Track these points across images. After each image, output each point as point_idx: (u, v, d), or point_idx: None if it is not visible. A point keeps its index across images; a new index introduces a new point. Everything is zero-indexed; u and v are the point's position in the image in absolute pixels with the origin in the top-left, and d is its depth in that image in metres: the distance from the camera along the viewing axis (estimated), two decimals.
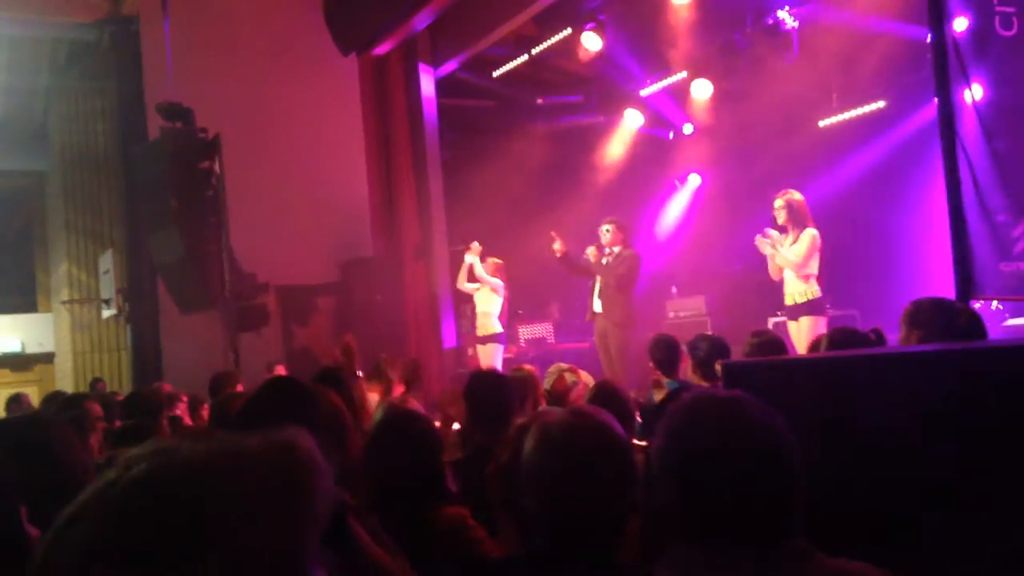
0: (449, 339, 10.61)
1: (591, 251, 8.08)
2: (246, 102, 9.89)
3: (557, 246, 8.29)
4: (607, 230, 8.03)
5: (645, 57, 11.20)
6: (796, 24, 9.17)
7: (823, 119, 9.95)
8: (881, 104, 9.51)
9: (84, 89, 11.06)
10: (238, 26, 10.27)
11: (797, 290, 6.65)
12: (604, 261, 8.01)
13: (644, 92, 11.58)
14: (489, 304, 8.86)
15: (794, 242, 6.68)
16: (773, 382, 2.10)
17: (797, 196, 6.78)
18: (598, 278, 8.04)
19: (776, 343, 3.96)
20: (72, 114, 11.34)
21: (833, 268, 7.40)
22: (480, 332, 8.89)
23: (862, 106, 9.64)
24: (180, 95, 9.07)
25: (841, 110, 9.81)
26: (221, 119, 9.08)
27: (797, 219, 6.70)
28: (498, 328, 8.81)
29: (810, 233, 6.64)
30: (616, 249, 7.97)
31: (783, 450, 1.42)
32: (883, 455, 1.82)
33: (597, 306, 8.06)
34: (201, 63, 9.77)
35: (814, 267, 6.67)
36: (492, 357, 8.67)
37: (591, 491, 1.69)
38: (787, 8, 9.20)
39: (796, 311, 6.65)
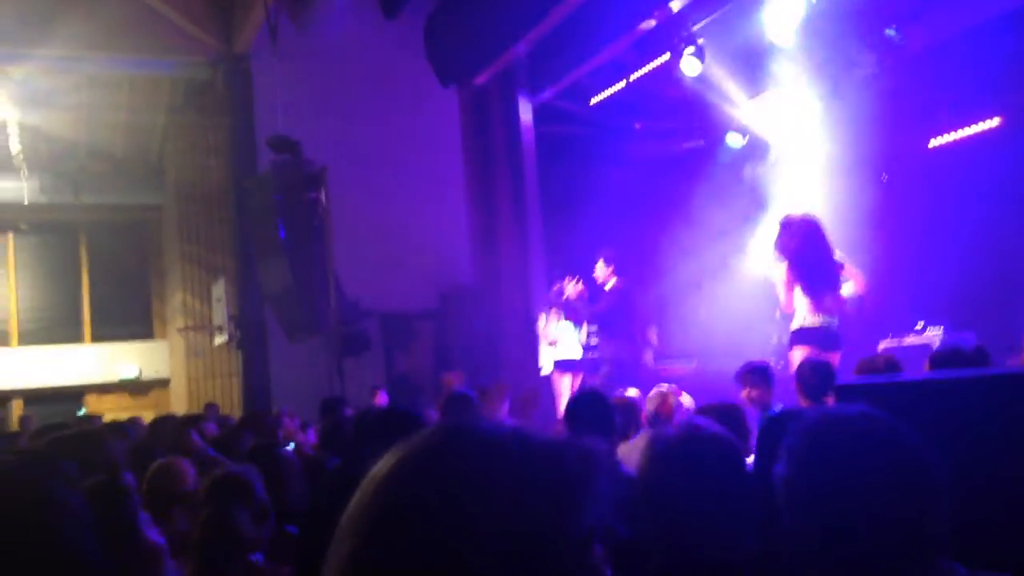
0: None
1: (569, 287, 8.42)
2: (351, 134, 10.18)
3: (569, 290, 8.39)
4: (599, 266, 8.18)
5: (745, 79, 11.05)
6: (902, 39, 8.90)
7: (934, 138, 9.60)
8: (996, 121, 9.12)
9: (198, 125, 11.58)
10: (343, 61, 10.61)
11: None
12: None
13: (744, 115, 11.40)
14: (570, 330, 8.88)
15: None
16: (891, 402, 2.02)
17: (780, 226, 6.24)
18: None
19: (892, 364, 3.81)
20: (187, 149, 11.88)
21: (952, 291, 7.09)
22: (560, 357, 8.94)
23: (975, 124, 9.27)
24: (289, 129, 9.42)
25: (952, 128, 9.44)
26: (327, 151, 9.38)
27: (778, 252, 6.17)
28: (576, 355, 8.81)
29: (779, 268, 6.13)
30: (610, 283, 8.10)
31: (931, 466, 1.35)
32: (993, 474, 1.74)
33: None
34: (308, 98, 10.13)
35: (797, 302, 6.10)
36: (571, 383, 8.68)
37: (714, 506, 1.64)
38: (893, 26, 8.95)
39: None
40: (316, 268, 9.24)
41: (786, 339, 6.70)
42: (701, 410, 3.73)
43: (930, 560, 1.34)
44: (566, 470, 0.84)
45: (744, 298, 9.88)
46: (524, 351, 10.58)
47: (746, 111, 11.40)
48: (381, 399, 8.38)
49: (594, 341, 8.76)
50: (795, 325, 6.07)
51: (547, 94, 11.22)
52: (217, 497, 2.90)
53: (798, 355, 5.81)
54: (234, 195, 10.24)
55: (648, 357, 10.09)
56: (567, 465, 0.84)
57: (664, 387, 4.80)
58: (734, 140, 11.93)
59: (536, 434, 0.88)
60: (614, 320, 8.13)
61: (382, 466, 0.86)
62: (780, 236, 6.12)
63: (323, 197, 9.33)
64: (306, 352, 9.13)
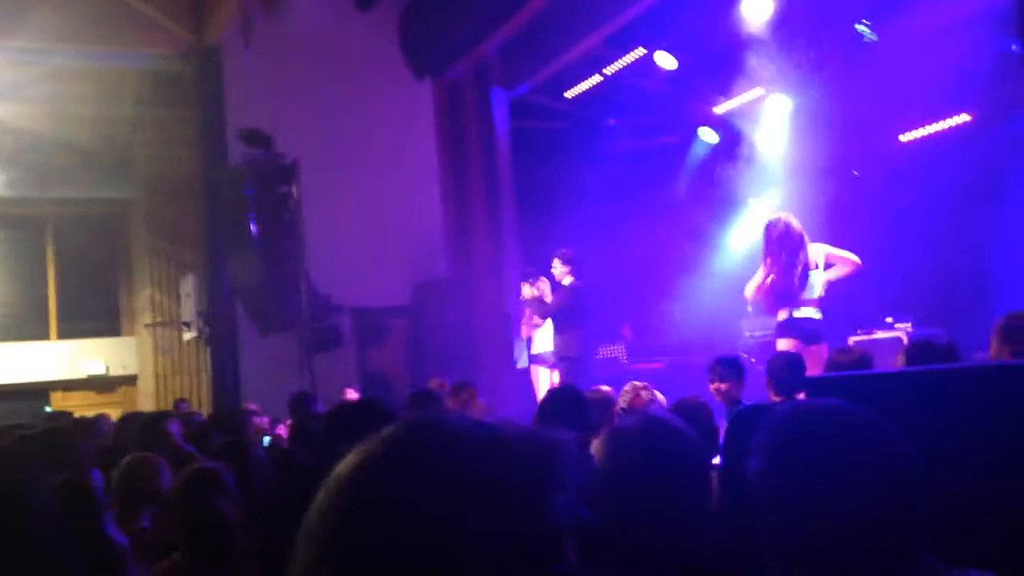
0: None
1: (525, 289, 8.54)
2: (323, 127, 10.10)
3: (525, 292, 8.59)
4: (555, 263, 8.34)
5: (719, 75, 11.07)
6: (876, 37, 8.96)
7: (904, 133, 9.67)
8: (966, 117, 9.20)
9: (168, 118, 11.43)
10: (315, 53, 10.51)
11: None
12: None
13: (718, 110, 11.44)
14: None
15: None
16: (865, 396, 2.02)
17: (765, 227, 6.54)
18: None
19: (865, 359, 3.82)
20: (156, 143, 11.72)
21: (920, 286, 7.15)
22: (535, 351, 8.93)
23: (945, 119, 9.34)
24: (260, 122, 9.32)
25: (922, 124, 9.51)
26: (299, 144, 9.30)
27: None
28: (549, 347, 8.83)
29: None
30: (565, 281, 8.25)
31: (908, 460, 1.34)
32: (970, 468, 1.73)
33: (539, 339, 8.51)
34: (280, 90, 10.03)
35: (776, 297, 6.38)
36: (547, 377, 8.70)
37: (669, 496, 1.62)
38: (864, 22, 9.00)
39: None
40: (287, 263, 9.18)
41: (759, 334, 6.77)
42: (671, 408, 3.73)
43: (908, 555, 1.32)
44: (535, 460, 0.83)
45: (717, 294, 9.92)
46: (498, 345, 10.56)
47: (720, 106, 11.43)
48: (352, 396, 8.32)
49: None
50: (781, 317, 6.20)
51: (522, 88, 11.20)
52: (198, 490, 2.93)
53: (783, 347, 5.96)
54: (204, 189, 10.13)
55: (619, 353, 10.12)
56: (535, 455, 0.83)
57: (636, 383, 4.80)
58: (708, 136, 11.97)
59: (502, 426, 0.86)
60: (568, 317, 8.21)
61: (346, 464, 0.83)
62: (765, 235, 6.34)
63: (295, 191, 9.25)
64: (277, 348, 9.05)
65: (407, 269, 10.27)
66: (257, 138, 9.33)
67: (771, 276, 6.14)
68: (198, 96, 10.64)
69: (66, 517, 1.48)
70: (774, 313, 6.27)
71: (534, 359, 8.93)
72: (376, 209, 10.23)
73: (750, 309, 6.66)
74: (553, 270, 8.41)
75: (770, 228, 6.32)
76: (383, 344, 9.95)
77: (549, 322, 8.69)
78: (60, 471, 2.40)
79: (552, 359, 8.62)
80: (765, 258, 6.25)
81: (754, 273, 6.48)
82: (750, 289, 6.37)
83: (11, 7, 9.13)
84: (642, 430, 1.74)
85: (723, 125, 11.73)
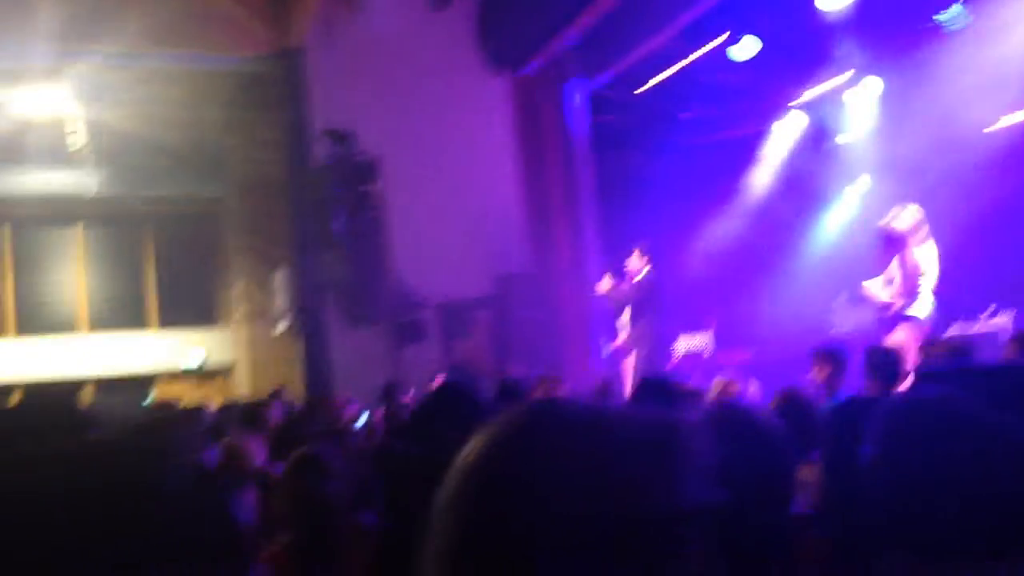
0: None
1: (605, 281, 8.64)
2: (403, 124, 10.25)
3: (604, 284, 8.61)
4: (633, 255, 8.37)
5: (800, 62, 10.88)
6: (971, 19, 8.69)
7: (997, 119, 9.36)
8: None
9: (254, 119, 11.75)
10: (394, 51, 10.67)
11: None
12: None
13: (799, 100, 11.25)
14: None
15: None
16: (976, 388, 2.01)
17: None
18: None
19: (964, 349, 3.76)
20: (244, 143, 12.07)
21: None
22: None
23: None
24: (342, 120, 9.53)
25: (1017, 108, 9.18)
26: (380, 141, 9.49)
27: None
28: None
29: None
30: (643, 273, 8.26)
31: (1021, 449, 1.35)
32: None
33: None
34: (360, 89, 10.22)
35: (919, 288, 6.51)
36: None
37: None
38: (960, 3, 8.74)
39: None
40: (372, 258, 9.39)
41: (849, 326, 6.75)
42: (776, 397, 3.71)
43: (1022, 546, 1.33)
44: (658, 441, 0.84)
45: (805, 286, 9.79)
46: (581, 337, 10.61)
47: (801, 96, 11.24)
48: (436, 383, 8.47)
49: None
50: (913, 312, 6.31)
51: (600, 81, 11.19)
52: (306, 474, 3.01)
53: (903, 337, 6.01)
54: (290, 187, 10.40)
55: (705, 345, 10.06)
56: (659, 436, 0.84)
57: (725, 377, 4.82)
58: (788, 125, 11.78)
59: (622, 409, 0.89)
60: (645, 309, 8.29)
61: (472, 450, 0.84)
62: (910, 227, 6.45)
63: (378, 187, 9.46)
64: (365, 340, 9.26)
65: (489, 262, 10.38)
66: (340, 137, 9.56)
67: (899, 272, 6.24)
68: (283, 97, 10.90)
69: (198, 499, 1.56)
70: (900, 309, 6.32)
71: (616, 351, 8.97)
72: (457, 203, 10.38)
73: (875, 302, 6.62)
74: (631, 262, 8.46)
75: (892, 225, 6.46)
76: (466, 336, 10.08)
77: (627, 313, 8.73)
78: (174, 458, 2.52)
79: (631, 350, 8.66)
80: (891, 253, 6.32)
81: (850, 263, 6.48)
82: (875, 286, 6.43)
83: (105, 13, 9.50)
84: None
85: (806, 114, 11.52)
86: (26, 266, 13.61)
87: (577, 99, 11.15)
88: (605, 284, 8.68)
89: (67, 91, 10.57)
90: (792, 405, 3.37)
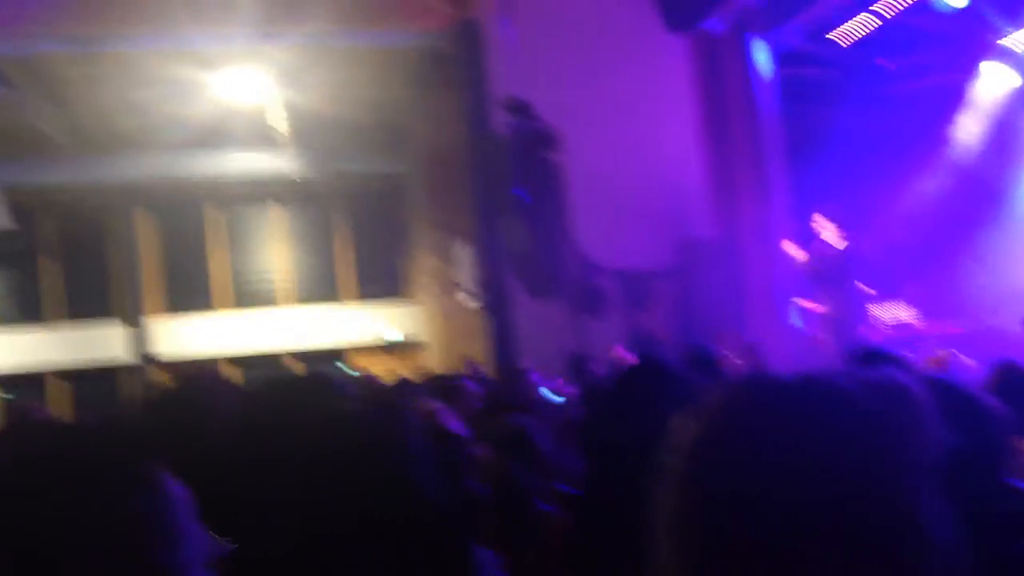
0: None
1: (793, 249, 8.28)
2: (581, 90, 10.18)
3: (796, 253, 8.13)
4: (823, 222, 7.76)
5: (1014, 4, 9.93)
6: None
7: None
8: None
9: (436, 93, 12.02)
10: (569, 17, 10.59)
11: None
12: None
13: (1010, 44, 10.26)
14: None
15: None
16: None
17: None
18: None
19: None
20: (425, 117, 12.39)
21: None
22: None
23: None
24: (521, 90, 9.57)
25: None
26: (558, 109, 9.46)
27: None
28: None
29: None
30: (835, 241, 7.66)
31: None
32: None
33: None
34: (537, 57, 10.20)
35: None
36: None
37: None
38: None
39: None
40: (553, 227, 9.42)
41: None
42: (993, 373, 3.41)
43: None
44: (888, 408, 0.81)
45: (1013, 251, 9.01)
46: (768, 306, 10.23)
47: (1012, 40, 10.26)
48: (623, 354, 8.40)
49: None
50: None
51: (786, 32, 10.64)
52: (510, 446, 3.02)
53: None
54: (471, 159, 10.57)
55: (907, 316, 9.47)
56: (889, 403, 0.81)
57: (939, 352, 4.49)
58: (995, 74, 10.78)
59: (856, 375, 0.84)
60: (838, 278, 7.82)
61: (694, 433, 0.82)
62: None
63: (557, 156, 9.45)
64: (547, 311, 9.33)
65: (671, 229, 10.19)
66: (519, 106, 9.61)
67: None
68: (463, 70, 11.08)
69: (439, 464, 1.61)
70: None
71: (809, 321, 8.61)
72: (637, 170, 10.23)
73: None
74: (824, 227, 8.04)
75: None
76: (648, 305, 9.96)
77: (821, 281, 8.35)
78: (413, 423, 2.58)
79: (825, 320, 8.29)
80: None
81: None
82: None
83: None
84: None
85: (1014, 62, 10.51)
86: (236, 244, 14.67)
87: (762, 53, 10.66)
88: (798, 252, 8.29)
89: (265, 74, 11.17)
90: (1010, 381, 3.09)
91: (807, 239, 8.38)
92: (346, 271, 14.61)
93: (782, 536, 0.74)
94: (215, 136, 12.60)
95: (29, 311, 14.27)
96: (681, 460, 0.81)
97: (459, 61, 11.13)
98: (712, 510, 0.77)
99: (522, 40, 10.21)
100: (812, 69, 11.61)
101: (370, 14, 10.57)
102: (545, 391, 6.66)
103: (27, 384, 13.50)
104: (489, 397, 4.85)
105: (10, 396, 13.20)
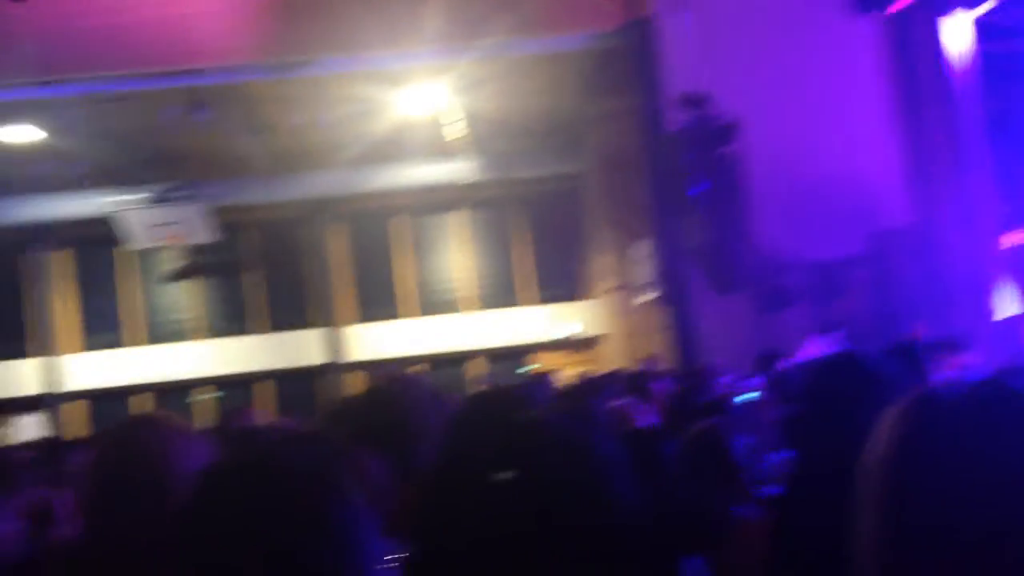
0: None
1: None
2: (761, 80, 9.87)
3: None
4: None
5: None
6: None
7: None
8: None
9: (609, 92, 12.00)
10: (746, 5, 10.29)
11: None
12: None
13: None
14: None
15: None
16: None
17: None
18: None
19: None
20: (600, 117, 12.39)
21: None
22: None
23: None
24: (698, 84, 9.39)
25: None
26: (738, 101, 9.21)
27: None
28: None
29: None
30: None
31: None
32: None
33: None
34: (714, 49, 9.97)
35: None
36: None
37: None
38: None
39: None
40: (733, 222, 9.19)
41: None
42: None
43: None
44: None
45: None
46: (974, 298, 9.56)
47: None
48: (813, 350, 8.06)
49: None
50: None
51: (985, 4, 9.91)
52: (703, 447, 2.98)
53: None
54: (648, 157, 10.47)
55: None
56: None
57: None
58: None
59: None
60: None
61: (883, 445, 0.81)
62: None
63: (737, 149, 9.21)
64: (731, 307, 9.11)
65: (862, 218, 9.69)
66: (696, 101, 9.44)
67: None
68: (636, 67, 10.99)
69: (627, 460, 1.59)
70: None
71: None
72: (824, 157, 9.80)
73: None
74: None
75: None
76: (840, 297, 9.51)
77: None
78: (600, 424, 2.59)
79: None
80: None
81: None
82: None
83: (477, 10, 10.17)
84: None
85: None
86: (420, 251, 15.25)
87: (958, 27, 9.96)
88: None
89: (445, 87, 11.52)
90: None
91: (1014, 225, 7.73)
92: (525, 274, 14.85)
93: (989, 541, 0.74)
94: (396, 148, 13.12)
95: (235, 321, 15.46)
96: (886, 463, 0.81)
97: (631, 59, 11.06)
98: (919, 512, 0.77)
99: (699, 32, 10.02)
100: (1015, 42, 10.77)
101: (544, 21, 10.69)
102: (735, 389, 6.50)
103: (236, 386, 14.70)
104: (677, 396, 4.77)
105: (221, 394, 14.58)
